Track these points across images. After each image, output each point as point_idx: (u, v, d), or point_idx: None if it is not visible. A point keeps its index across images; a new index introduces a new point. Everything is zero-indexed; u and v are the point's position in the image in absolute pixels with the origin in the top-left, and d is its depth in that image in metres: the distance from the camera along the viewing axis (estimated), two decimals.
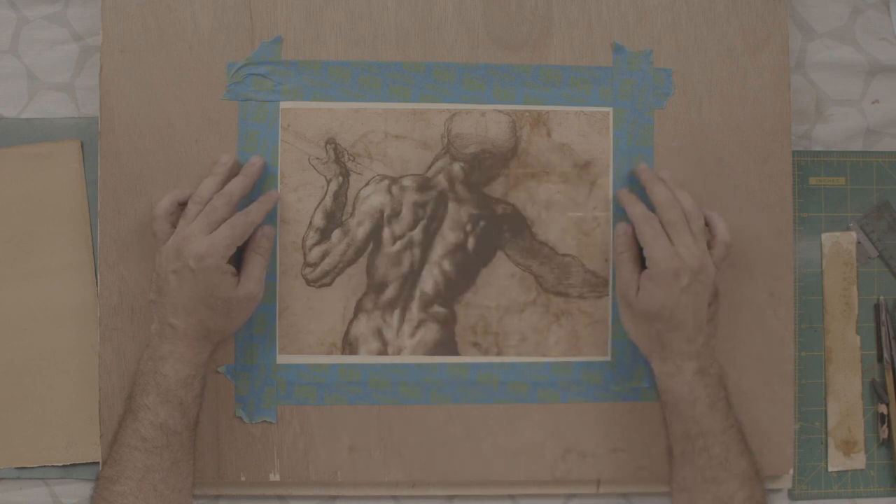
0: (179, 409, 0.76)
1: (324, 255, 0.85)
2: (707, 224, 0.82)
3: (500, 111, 0.86)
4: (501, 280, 0.86)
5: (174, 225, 0.80)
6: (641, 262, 0.81)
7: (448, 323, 0.86)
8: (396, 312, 0.85)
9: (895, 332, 0.90)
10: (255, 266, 0.80)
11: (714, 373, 0.79)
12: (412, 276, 0.85)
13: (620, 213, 0.85)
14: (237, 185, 0.80)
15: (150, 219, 0.81)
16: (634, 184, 0.86)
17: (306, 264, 0.85)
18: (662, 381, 0.79)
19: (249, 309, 0.81)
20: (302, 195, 0.85)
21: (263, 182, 0.84)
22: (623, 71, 0.86)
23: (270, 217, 0.83)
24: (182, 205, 0.81)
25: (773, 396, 0.87)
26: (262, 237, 0.82)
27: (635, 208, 0.81)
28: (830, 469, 0.89)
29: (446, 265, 0.86)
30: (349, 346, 0.85)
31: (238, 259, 0.80)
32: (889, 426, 0.89)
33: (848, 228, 0.91)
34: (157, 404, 0.76)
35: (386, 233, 0.85)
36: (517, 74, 0.86)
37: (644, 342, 0.80)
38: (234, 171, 0.83)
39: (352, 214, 0.85)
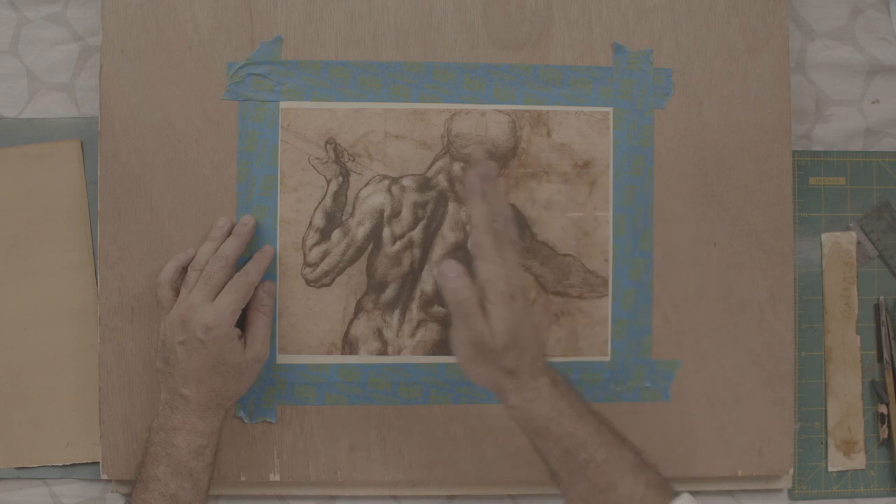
0: (190, 480, 0.76)
1: (324, 256, 0.85)
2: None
3: (500, 111, 0.86)
4: None
5: (177, 292, 0.80)
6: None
7: (448, 323, 0.85)
8: (396, 312, 0.85)
9: (895, 332, 0.90)
10: (260, 326, 0.81)
11: (562, 380, 0.75)
12: (412, 276, 0.85)
13: (621, 213, 0.86)
14: (231, 247, 0.81)
15: (154, 286, 0.81)
16: (635, 184, 0.86)
17: (306, 264, 0.85)
18: (524, 410, 0.73)
19: (258, 370, 0.81)
20: (302, 195, 0.85)
21: (264, 180, 0.84)
22: (623, 71, 0.86)
23: (269, 273, 0.84)
24: (185, 269, 0.81)
25: (773, 396, 0.87)
26: (264, 294, 0.82)
27: (477, 218, 0.73)
28: (830, 469, 0.89)
29: None
30: (349, 346, 0.85)
31: (241, 318, 0.80)
32: (889, 426, 0.89)
33: (848, 228, 0.91)
34: (168, 475, 0.76)
35: (386, 233, 0.85)
36: (517, 74, 0.86)
37: (497, 381, 0.73)
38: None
39: (352, 214, 0.85)
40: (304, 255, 0.85)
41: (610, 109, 0.86)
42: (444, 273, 0.72)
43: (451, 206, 0.86)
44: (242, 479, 0.85)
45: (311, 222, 0.85)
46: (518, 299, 0.72)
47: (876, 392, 0.90)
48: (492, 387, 0.74)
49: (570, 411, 0.73)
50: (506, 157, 0.86)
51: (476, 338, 0.72)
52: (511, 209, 0.74)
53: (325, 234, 0.85)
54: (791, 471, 0.87)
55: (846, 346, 0.90)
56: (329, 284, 0.85)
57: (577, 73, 0.86)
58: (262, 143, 0.85)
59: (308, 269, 0.85)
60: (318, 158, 0.85)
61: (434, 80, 0.85)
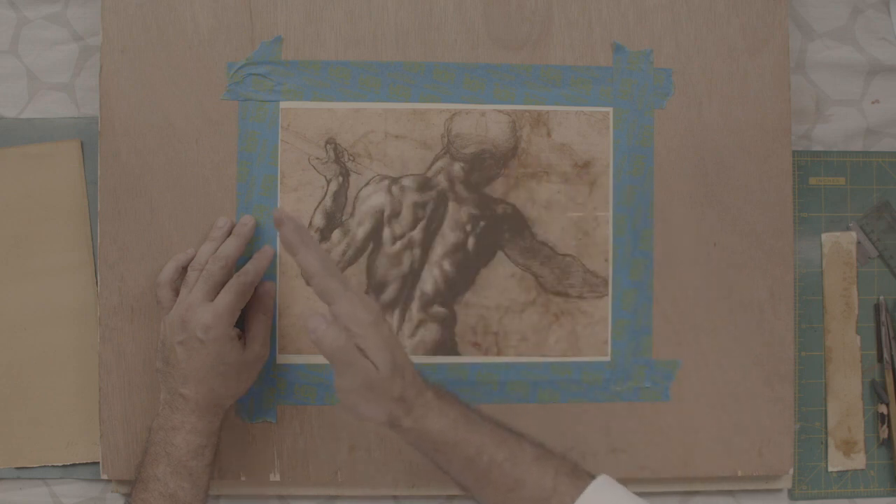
0: (189, 480, 0.76)
1: None
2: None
3: (500, 111, 0.86)
4: (501, 280, 0.86)
5: (177, 292, 0.80)
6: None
7: (448, 323, 0.86)
8: (396, 312, 0.85)
9: (895, 332, 0.90)
10: (259, 326, 0.81)
11: (445, 390, 0.75)
12: (412, 276, 0.85)
13: (621, 213, 0.86)
14: (231, 247, 0.81)
15: (154, 286, 0.81)
16: (635, 184, 0.86)
17: None
18: (418, 429, 0.72)
19: (257, 370, 0.81)
20: (302, 195, 0.85)
21: (264, 180, 0.84)
22: (623, 71, 0.86)
23: (269, 273, 0.84)
24: (185, 269, 0.81)
25: (773, 396, 0.87)
26: (264, 294, 0.82)
27: (313, 265, 0.70)
28: (830, 469, 0.89)
29: (446, 265, 0.86)
30: None
31: (240, 318, 0.80)
32: (889, 426, 0.89)
33: (848, 228, 0.91)
34: (168, 475, 0.76)
35: (386, 233, 0.85)
36: (517, 74, 0.86)
37: (390, 411, 0.72)
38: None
39: (352, 214, 0.85)
40: None
41: (610, 109, 0.86)
42: (313, 329, 0.70)
43: (451, 206, 0.86)
44: (242, 479, 0.85)
45: (311, 222, 0.85)
46: (381, 323, 0.71)
47: (876, 392, 0.90)
48: (385, 420, 0.73)
49: (461, 419, 0.73)
50: (506, 157, 0.86)
51: (364, 378, 0.71)
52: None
53: (325, 235, 0.85)
54: (791, 471, 0.87)
55: (846, 346, 0.90)
56: None
57: (577, 73, 0.86)
58: (262, 143, 0.85)
59: None
60: (318, 158, 0.85)
61: (434, 80, 0.85)
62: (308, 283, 0.71)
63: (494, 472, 0.72)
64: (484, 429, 0.73)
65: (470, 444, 0.72)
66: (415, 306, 0.85)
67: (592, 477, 0.72)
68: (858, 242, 0.90)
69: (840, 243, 0.90)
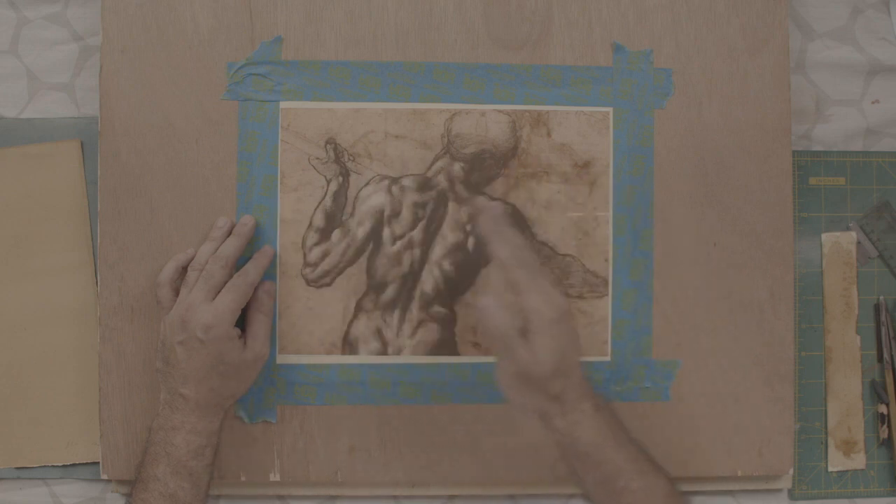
0: (189, 480, 0.76)
1: (324, 255, 0.85)
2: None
3: (500, 111, 0.86)
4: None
5: (177, 291, 0.80)
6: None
7: (448, 323, 0.86)
8: (396, 312, 0.85)
9: (895, 332, 0.90)
10: (259, 326, 0.81)
11: (604, 404, 0.75)
12: (412, 276, 0.85)
13: (621, 213, 0.86)
14: (231, 247, 0.81)
15: (154, 286, 0.81)
16: (635, 184, 0.86)
17: (306, 264, 0.85)
18: (569, 434, 0.73)
19: (257, 369, 0.81)
20: (302, 195, 0.85)
21: (264, 180, 0.84)
22: (623, 71, 0.86)
23: (269, 273, 0.84)
24: (185, 269, 0.81)
25: (773, 396, 0.87)
26: (264, 294, 0.82)
27: (502, 256, 0.73)
28: (830, 469, 0.89)
29: (446, 265, 0.86)
30: (349, 346, 0.85)
31: (240, 318, 0.80)
32: (889, 426, 0.89)
33: (848, 228, 0.91)
34: (168, 475, 0.76)
35: (386, 233, 0.85)
36: (517, 74, 0.86)
37: (543, 407, 0.73)
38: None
39: (352, 214, 0.85)
40: (304, 255, 0.85)
41: (610, 109, 0.86)
42: (483, 307, 0.72)
43: (451, 206, 0.86)
44: (242, 479, 0.85)
45: (311, 222, 0.85)
46: (562, 322, 0.72)
47: (876, 392, 0.90)
48: (534, 413, 0.74)
49: (611, 439, 0.73)
50: (506, 157, 0.86)
51: (521, 368, 0.72)
52: (524, 242, 0.76)
53: (325, 234, 0.85)
54: (791, 471, 0.87)
55: (846, 346, 0.90)
56: (329, 284, 0.85)
57: (577, 73, 0.86)
58: (262, 143, 0.85)
59: (308, 269, 0.85)
60: (318, 158, 0.85)
61: (434, 80, 0.85)
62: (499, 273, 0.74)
63: (626, 497, 0.73)
64: (628, 454, 0.74)
65: (611, 464, 0.73)
66: (415, 306, 0.85)
67: None
68: (858, 242, 0.90)
69: (840, 243, 0.90)
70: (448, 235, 0.86)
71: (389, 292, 0.85)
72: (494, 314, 0.72)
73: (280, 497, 0.87)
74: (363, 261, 0.85)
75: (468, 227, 0.86)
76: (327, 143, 0.85)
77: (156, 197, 0.84)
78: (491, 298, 0.72)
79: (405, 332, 0.85)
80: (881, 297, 0.91)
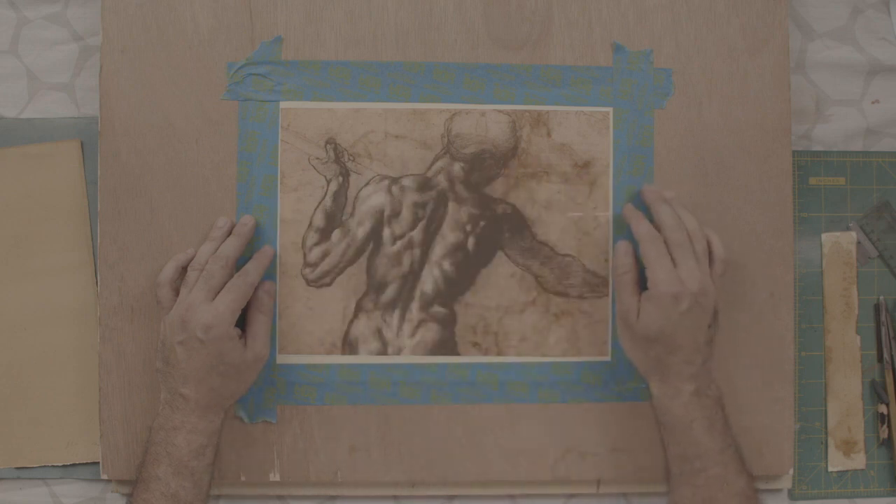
0: (191, 480, 0.76)
1: (324, 255, 0.85)
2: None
3: (500, 111, 0.86)
4: (501, 280, 0.86)
5: (177, 292, 0.80)
6: (642, 283, 0.79)
7: (448, 323, 0.86)
8: (396, 312, 0.85)
9: (895, 332, 0.90)
10: (259, 326, 0.81)
11: (711, 394, 0.78)
12: (412, 276, 0.85)
13: (621, 213, 0.85)
14: (231, 247, 0.81)
15: (154, 286, 0.81)
16: (635, 184, 0.86)
17: (306, 264, 0.85)
18: (661, 402, 0.78)
19: (258, 369, 0.81)
20: (302, 195, 0.85)
21: (264, 180, 0.84)
22: (623, 71, 0.86)
23: (269, 273, 0.84)
24: (185, 269, 0.81)
25: (773, 396, 0.87)
26: (264, 294, 0.82)
27: (641, 227, 0.79)
28: (830, 469, 0.89)
29: (446, 265, 0.86)
30: (349, 346, 0.85)
31: (240, 318, 0.80)
32: (889, 426, 0.89)
33: (848, 228, 0.91)
34: (169, 475, 0.76)
35: (386, 233, 0.85)
36: (517, 74, 0.86)
37: (643, 364, 0.79)
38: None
39: (352, 214, 0.85)
40: (304, 255, 0.85)
41: (610, 109, 0.86)
42: (616, 249, 0.80)
43: (451, 206, 0.86)
44: (242, 479, 0.85)
45: (311, 222, 0.85)
46: (683, 304, 0.76)
47: (876, 392, 0.90)
48: (639, 367, 0.80)
49: (703, 423, 0.77)
50: (506, 157, 0.86)
51: (623, 313, 0.79)
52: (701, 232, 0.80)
53: (325, 234, 0.85)
54: (791, 471, 0.87)
55: (846, 346, 0.90)
56: (329, 284, 0.85)
57: (577, 73, 0.86)
58: (262, 143, 0.85)
59: (308, 269, 0.85)
60: (318, 158, 0.85)
61: (434, 80, 0.85)
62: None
63: (701, 480, 0.76)
64: (715, 443, 0.77)
65: (696, 446, 0.77)
66: (415, 306, 0.85)
67: None
68: (858, 242, 0.90)
69: (840, 243, 0.90)
70: (448, 235, 0.86)
71: (389, 292, 0.85)
72: (620, 260, 0.80)
73: (280, 497, 0.87)
74: (363, 261, 0.85)
75: (468, 227, 0.86)
76: (327, 143, 0.85)
77: (156, 197, 0.84)
78: (626, 243, 0.80)
79: (405, 332, 0.85)
80: (881, 297, 0.91)
